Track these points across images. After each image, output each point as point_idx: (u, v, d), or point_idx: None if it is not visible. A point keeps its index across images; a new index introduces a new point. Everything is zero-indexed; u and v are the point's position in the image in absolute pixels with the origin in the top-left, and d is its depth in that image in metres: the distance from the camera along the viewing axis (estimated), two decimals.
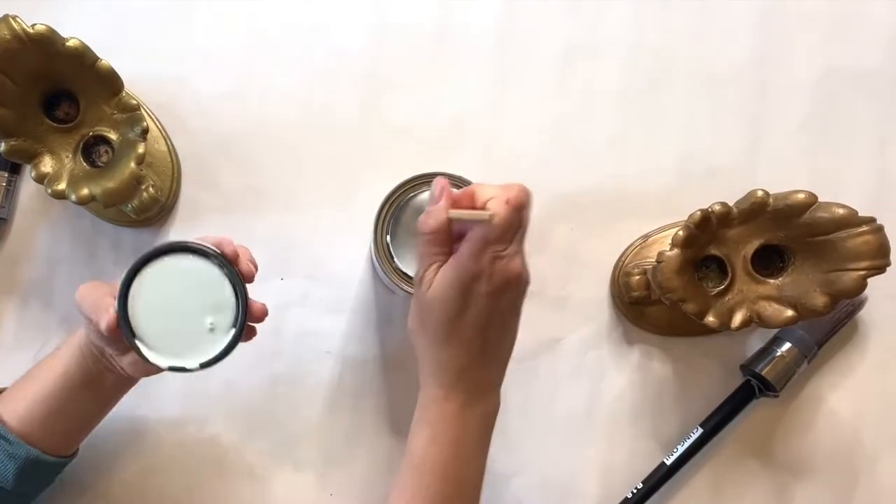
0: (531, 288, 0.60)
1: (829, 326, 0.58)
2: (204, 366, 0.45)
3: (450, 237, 0.44)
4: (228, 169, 0.61)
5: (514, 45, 0.62)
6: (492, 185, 0.44)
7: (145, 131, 0.52)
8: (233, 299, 0.45)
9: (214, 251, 0.45)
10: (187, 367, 0.44)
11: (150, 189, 0.57)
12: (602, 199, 0.62)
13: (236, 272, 0.45)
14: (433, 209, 0.44)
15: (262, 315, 0.48)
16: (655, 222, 0.61)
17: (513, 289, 0.43)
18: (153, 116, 0.60)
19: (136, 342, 0.44)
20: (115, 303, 0.43)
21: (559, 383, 0.61)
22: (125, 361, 0.48)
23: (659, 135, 0.62)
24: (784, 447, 0.60)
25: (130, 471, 0.59)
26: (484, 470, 0.47)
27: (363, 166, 0.61)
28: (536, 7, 0.62)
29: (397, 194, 0.52)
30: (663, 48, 0.62)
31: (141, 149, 0.51)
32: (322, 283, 0.61)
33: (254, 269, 0.47)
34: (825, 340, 0.59)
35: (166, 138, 0.60)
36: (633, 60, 0.62)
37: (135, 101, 0.52)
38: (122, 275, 0.43)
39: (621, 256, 0.61)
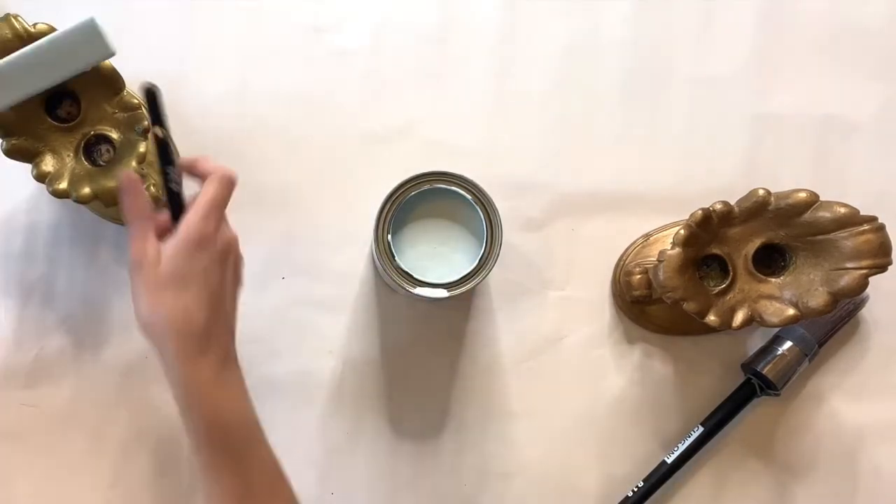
0: (534, 287, 0.61)
1: (830, 325, 0.58)
2: None
3: (148, 202, 0.47)
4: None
5: (514, 44, 0.62)
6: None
7: (146, 130, 0.52)
8: None
9: None
10: None
11: (151, 188, 0.56)
12: (603, 198, 0.62)
13: None
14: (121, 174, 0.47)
15: None
16: (656, 221, 0.61)
17: (235, 252, 0.48)
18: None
19: None
20: None
21: (560, 382, 0.61)
22: None
23: (660, 133, 0.62)
24: (785, 446, 0.61)
25: (131, 471, 0.59)
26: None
27: (364, 165, 0.61)
28: (537, 7, 0.62)
29: (398, 193, 0.52)
30: (664, 48, 0.62)
31: (142, 148, 0.51)
32: (323, 282, 0.61)
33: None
34: (826, 339, 0.59)
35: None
36: (633, 60, 0.62)
37: (136, 101, 0.52)
38: None
39: (622, 255, 0.61)
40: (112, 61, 0.51)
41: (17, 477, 0.59)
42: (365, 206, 0.60)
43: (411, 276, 0.52)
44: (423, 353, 0.61)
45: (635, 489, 0.58)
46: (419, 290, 0.52)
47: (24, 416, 0.59)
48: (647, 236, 0.61)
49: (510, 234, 0.60)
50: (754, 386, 0.59)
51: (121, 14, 0.61)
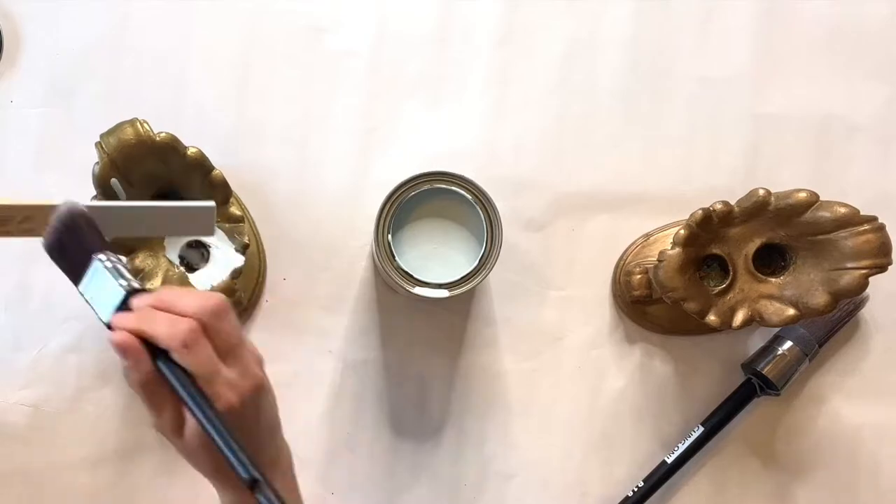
0: (534, 287, 0.61)
1: (831, 325, 0.58)
2: None
3: (160, 378, 0.38)
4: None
5: (514, 44, 0.62)
6: (188, 293, 0.39)
7: (246, 247, 0.52)
8: None
9: None
10: None
11: (241, 295, 0.56)
12: (603, 198, 0.62)
13: None
14: (131, 367, 0.37)
15: None
16: (657, 221, 0.61)
17: (263, 393, 0.41)
18: (246, 212, 0.59)
19: None
20: None
21: (560, 382, 0.61)
22: None
23: (660, 133, 0.62)
24: (785, 446, 0.61)
25: (131, 471, 0.59)
26: None
27: (364, 165, 0.61)
28: (537, 7, 0.62)
29: (399, 193, 0.52)
30: (664, 48, 0.62)
31: (238, 263, 0.51)
32: (323, 282, 0.61)
33: None
34: (826, 339, 0.59)
35: (257, 239, 0.59)
36: (633, 60, 0.62)
37: (239, 213, 0.53)
38: None
39: (622, 255, 0.61)
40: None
41: (17, 477, 0.59)
42: (365, 206, 0.60)
43: (411, 276, 0.52)
44: (423, 353, 0.61)
45: (635, 489, 0.58)
46: (419, 290, 0.52)
47: (24, 416, 0.59)
48: (647, 236, 0.61)
49: (510, 234, 0.60)
50: (754, 386, 0.59)
51: (120, 15, 0.61)
